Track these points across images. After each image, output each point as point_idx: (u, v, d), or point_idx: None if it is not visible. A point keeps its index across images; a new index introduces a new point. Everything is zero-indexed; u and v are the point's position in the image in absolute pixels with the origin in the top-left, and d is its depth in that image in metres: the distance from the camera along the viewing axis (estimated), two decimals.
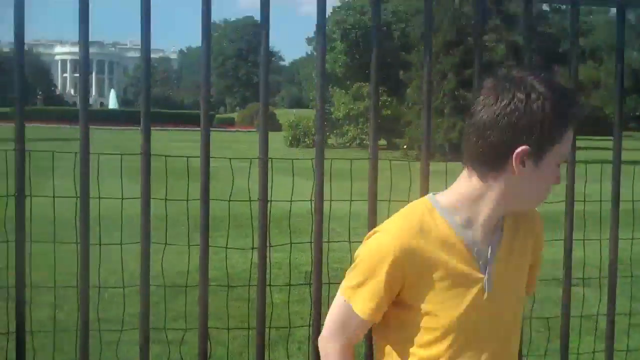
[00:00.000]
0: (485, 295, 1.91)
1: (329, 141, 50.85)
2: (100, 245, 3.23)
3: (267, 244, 2.84)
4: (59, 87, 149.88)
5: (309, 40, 72.01)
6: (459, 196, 1.92)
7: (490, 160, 1.83)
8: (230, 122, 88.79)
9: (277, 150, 37.52)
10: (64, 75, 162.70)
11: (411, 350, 1.94)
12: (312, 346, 2.78)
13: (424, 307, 1.89)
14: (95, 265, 2.94)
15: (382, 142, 50.59)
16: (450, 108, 39.01)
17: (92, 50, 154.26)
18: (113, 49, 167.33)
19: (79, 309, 2.72)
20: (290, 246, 3.78)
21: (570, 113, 1.81)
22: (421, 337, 1.92)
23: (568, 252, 3.11)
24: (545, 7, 62.70)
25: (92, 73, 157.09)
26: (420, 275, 1.88)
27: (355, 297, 1.93)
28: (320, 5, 2.81)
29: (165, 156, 3.45)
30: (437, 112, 38.41)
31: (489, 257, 1.92)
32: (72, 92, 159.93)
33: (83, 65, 2.70)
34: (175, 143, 36.17)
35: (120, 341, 3.96)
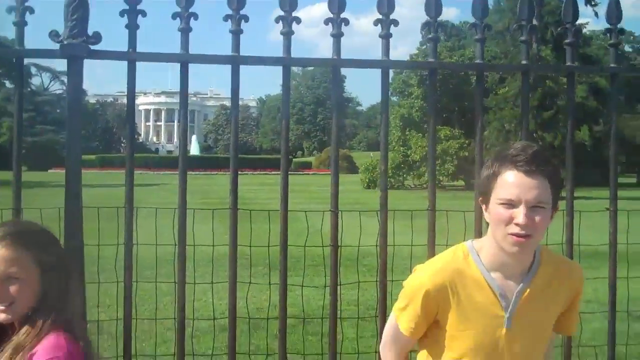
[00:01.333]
0: (504, 330, 2.31)
1: (407, 182, 50.90)
2: (194, 284, 3.67)
3: (338, 284, 3.23)
4: (142, 135, 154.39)
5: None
6: (486, 241, 2.35)
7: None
8: (307, 166, 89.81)
9: (353, 193, 37.85)
10: (147, 123, 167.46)
11: None
12: None
13: (449, 330, 2.33)
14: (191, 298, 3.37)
15: (460, 182, 50.41)
16: None
17: (173, 100, 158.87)
18: (195, 98, 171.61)
19: (176, 333, 3.14)
20: (358, 284, 4.14)
21: (496, 166, 2.23)
22: (446, 354, 2.36)
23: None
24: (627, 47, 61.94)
25: (174, 121, 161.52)
26: (450, 306, 2.32)
27: (400, 318, 2.42)
28: (383, 81, 3.21)
29: (250, 210, 3.89)
30: None
31: (512, 301, 2.31)
32: (155, 139, 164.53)
33: (182, 121, 3.16)
34: (253, 187, 36.89)
35: None
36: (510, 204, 2.18)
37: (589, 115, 45.28)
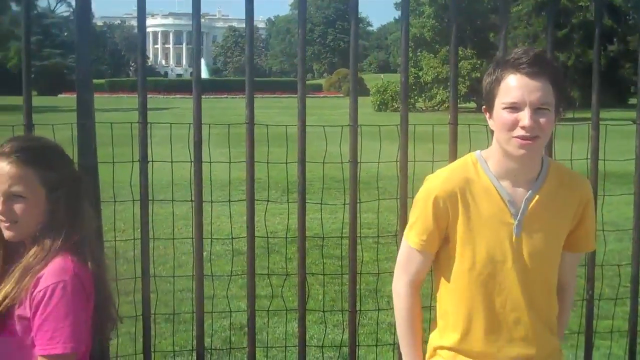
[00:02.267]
0: (514, 238, 2.31)
1: (418, 104, 50.67)
2: (211, 202, 3.63)
3: (357, 201, 3.18)
4: (151, 58, 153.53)
5: (397, 5, 71.56)
6: (492, 150, 2.35)
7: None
8: (318, 88, 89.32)
9: (365, 115, 37.55)
10: (155, 46, 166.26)
11: (451, 277, 2.38)
12: None
13: (460, 240, 2.33)
14: (207, 221, 3.34)
15: (472, 104, 50.08)
16: None
17: (181, 21, 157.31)
18: (203, 20, 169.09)
19: (194, 261, 3.12)
20: (378, 203, 4.10)
21: (499, 71, 2.26)
22: (457, 266, 2.36)
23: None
24: None
25: (182, 44, 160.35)
26: (459, 214, 2.32)
27: (410, 234, 2.42)
28: None
29: (267, 125, 3.80)
30: None
31: (522, 206, 2.31)
32: (164, 62, 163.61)
33: (195, 42, 3.06)
34: (265, 110, 36.79)
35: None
36: (515, 108, 2.19)
37: (603, 35, 44.40)
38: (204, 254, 3.16)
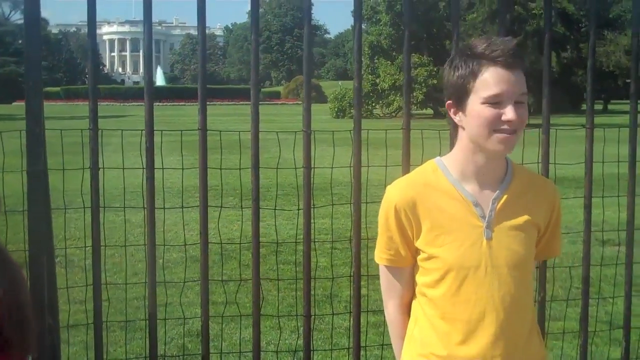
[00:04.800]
0: (485, 241, 2.17)
1: (375, 111, 50.92)
2: (164, 209, 3.61)
3: (312, 206, 3.19)
4: (107, 66, 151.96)
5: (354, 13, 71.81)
6: (455, 152, 2.23)
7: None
8: (276, 96, 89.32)
9: (322, 122, 37.76)
10: (112, 54, 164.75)
11: (424, 290, 2.24)
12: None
13: (429, 249, 2.19)
14: (162, 229, 3.31)
15: (429, 111, 50.50)
16: None
17: (138, 29, 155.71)
18: (160, 27, 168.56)
19: (147, 266, 3.10)
20: (332, 208, 4.12)
21: (473, 65, 2.10)
22: (430, 278, 2.21)
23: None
24: None
25: (139, 51, 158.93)
26: (423, 223, 2.18)
27: (376, 252, 2.29)
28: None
29: (220, 131, 3.80)
30: None
31: (489, 209, 2.18)
32: (120, 70, 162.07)
33: (147, 50, 3.06)
34: (221, 117, 36.65)
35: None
36: (497, 102, 2.06)
37: (556, 42, 45.32)
38: (160, 261, 3.13)
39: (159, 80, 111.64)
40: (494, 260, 2.17)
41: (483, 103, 2.07)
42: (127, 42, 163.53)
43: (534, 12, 43.27)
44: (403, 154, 3.17)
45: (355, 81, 3.23)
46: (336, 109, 50.51)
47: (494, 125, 2.07)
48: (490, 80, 2.07)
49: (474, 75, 2.09)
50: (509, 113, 2.05)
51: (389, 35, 57.70)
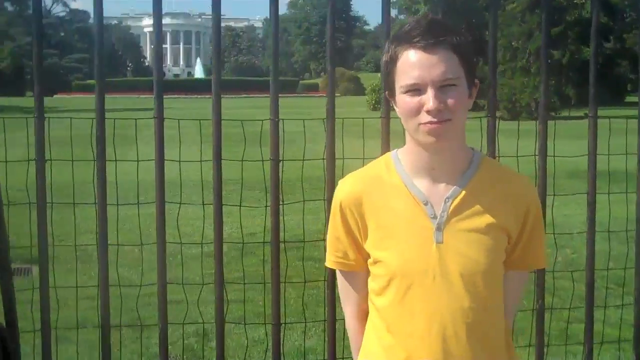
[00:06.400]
0: (435, 245, 1.90)
1: None
2: (180, 204, 3.50)
3: (280, 202, 3.01)
4: (148, 59, 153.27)
5: (393, 4, 71.16)
6: (407, 144, 1.98)
7: None
8: (314, 88, 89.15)
9: (359, 114, 37.21)
10: (152, 46, 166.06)
11: (372, 297, 2.01)
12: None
13: (375, 253, 1.96)
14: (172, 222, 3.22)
15: None
16: (537, 67, 38.22)
17: (179, 21, 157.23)
18: (199, 19, 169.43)
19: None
20: (304, 204, 3.92)
21: (392, 49, 1.87)
22: (377, 284, 1.98)
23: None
24: None
25: (180, 44, 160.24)
26: (368, 220, 1.96)
27: (327, 256, 2.08)
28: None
29: (242, 121, 3.65)
30: (524, 71, 37.72)
31: (441, 208, 1.91)
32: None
33: (156, 39, 2.96)
34: (256, 110, 36.60)
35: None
36: (416, 90, 1.81)
37: (599, 32, 44.48)
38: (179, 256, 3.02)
39: (198, 72, 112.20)
40: (444, 268, 1.89)
41: (404, 92, 1.85)
42: (168, 35, 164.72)
43: (575, 1, 42.58)
44: (382, 144, 2.95)
45: (329, 69, 3.14)
46: (373, 101, 50.18)
47: (417, 116, 1.83)
48: (406, 65, 1.83)
49: (394, 60, 1.87)
50: (427, 102, 1.80)
51: None
